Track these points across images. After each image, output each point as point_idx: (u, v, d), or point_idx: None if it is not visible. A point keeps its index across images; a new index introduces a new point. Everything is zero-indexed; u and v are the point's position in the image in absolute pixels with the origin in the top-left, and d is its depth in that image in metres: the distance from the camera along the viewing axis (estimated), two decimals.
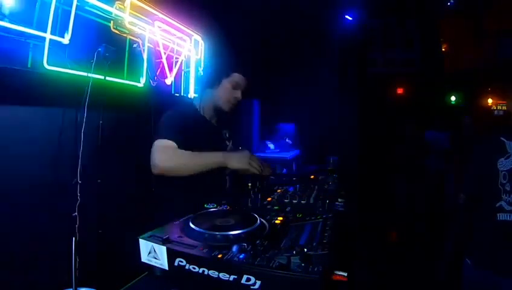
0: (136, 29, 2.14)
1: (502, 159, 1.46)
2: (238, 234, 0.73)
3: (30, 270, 1.49)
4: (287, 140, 3.83)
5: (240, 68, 1.41)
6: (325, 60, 4.47)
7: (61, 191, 1.64)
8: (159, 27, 2.34)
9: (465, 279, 1.61)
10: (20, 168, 1.50)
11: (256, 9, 3.47)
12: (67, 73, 1.66)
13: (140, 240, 0.71)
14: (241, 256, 0.63)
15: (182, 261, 0.65)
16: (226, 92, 1.39)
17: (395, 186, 4.41)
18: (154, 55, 2.40)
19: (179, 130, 1.22)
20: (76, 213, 1.64)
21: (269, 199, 1.13)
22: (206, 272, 0.62)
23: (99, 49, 1.77)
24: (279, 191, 1.25)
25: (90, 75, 1.74)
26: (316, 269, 0.58)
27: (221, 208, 1.00)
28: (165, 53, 2.44)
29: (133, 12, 2.05)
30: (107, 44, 1.80)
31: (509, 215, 1.42)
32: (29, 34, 1.47)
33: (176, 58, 2.66)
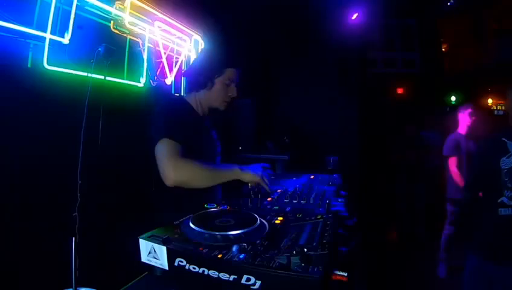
0: (136, 29, 2.14)
1: (504, 158, 1.58)
2: (238, 234, 0.72)
3: (30, 270, 1.49)
4: (285, 139, 3.82)
5: (231, 61, 1.33)
6: (325, 60, 4.46)
7: (61, 191, 1.64)
8: (159, 27, 2.34)
9: (468, 271, 1.72)
10: (20, 168, 1.50)
11: (256, 9, 3.47)
12: (67, 73, 1.66)
13: (140, 240, 0.71)
14: (241, 256, 0.63)
15: (182, 261, 0.65)
16: (221, 92, 1.33)
17: (395, 186, 4.42)
18: (154, 55, 2.40)
19: (180, 128, 1.18)
20: (76, 213, 1.64)
21: (269, 199, 1.13)
22: (206, 272, 0.62)
23: (99, 49, 1.77)
24: (279, 191, 1.26)
25: (90, 75, 1.74)
26: (316, 269, 0.58)
27: (221, 208, 1.00)
28: (165, 53, 2.44)
29: (133, 12, 2.05)
30: (107, 44, 1.80)
31: (511, 210, 1.55)
32: (29, 34, 1.48)
33: (176, 58, 2.66)
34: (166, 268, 0.67)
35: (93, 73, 1.76)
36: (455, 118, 3.15)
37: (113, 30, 2.01)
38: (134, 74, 2.20)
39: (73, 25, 1.65)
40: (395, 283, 3.06)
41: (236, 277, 0.60)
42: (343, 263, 0.72)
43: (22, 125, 1.53)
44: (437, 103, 7.46)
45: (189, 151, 1.16)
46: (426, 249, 3.71)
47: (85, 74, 1.73)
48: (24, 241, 1.49)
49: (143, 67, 2.25)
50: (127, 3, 1.98)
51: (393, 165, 4.41)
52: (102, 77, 1.84)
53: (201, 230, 0.74)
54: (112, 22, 1.98)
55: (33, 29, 1.49)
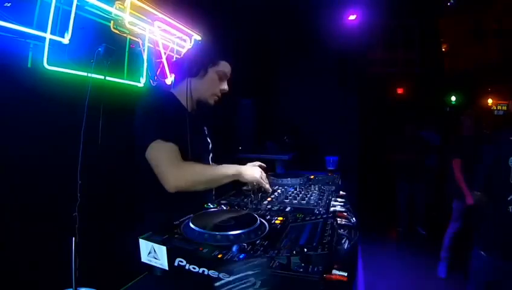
0: (136, 29, 2.14)
1: None
2: (238, 234, 0.72)
3: (30, 270, 1.49)
4: (285, 139, 3.82)
5: (228, 56, 1.28)
6: (325, 60, 4.46)
7: (61, 191, 1.63)
8: (159, 27, 2.34)
9: (476, 268, 1.78)
10: (19, 168, 1.50)
11: (256, 8, 3.47)
12: (67, 73, 1.66)
13: (140, 240, 0.71)
14: (241, 256, 0.63)
15: (182, 261, 0.65)
16: (213, 84, 1.26)
17: (395, 186, 4.43)
18: (154, 55, 2.40)
19: (170, 125, 1.12)
20: (76, 213, 1.64)
21: (269, 199, 1.13)
22: (206, 272, 0.62)
23: (99, 49, 1.76)
24: (279, 191, 1.26)
25: (90, 75, 1.74)
26: (316, 269, 0.58)
27: (221, 208, 1.00)
28: (165, 53, 2.44)
29: (133, 12, 2.05)
30: (107, 44, 1.80)
31: None
32: (29, 34, 1.47)
33: (176, 58, 2.66)
34: (166, 268, 0.67)
35: (93, 73, 1.76)
36: (458, 120, 3.18)
37: (113, 30, 2.01)
38: (134, 74, 2.21)
39: (73, 25, 1.65)
40: (395, 283, 3.06)
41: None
42: (343, 263, 0.72)
43: (22, 125, 1.53)
44: (437, 103, 7.46)
45: (179, 149, 1.13)
46: (426, 249, 3.71)
47: (85, 74, 1.73)
48: (24, 241, 1.49)
49: (143, 67, 2.25)
50: (127, 3, 1.98)
51: (393, 165, 4.41)
52: (102, 77, 1.84)
53: (201, 230, 0.74)
54: (112, 22, 1.98)
55: (33, 29, 1.49)
